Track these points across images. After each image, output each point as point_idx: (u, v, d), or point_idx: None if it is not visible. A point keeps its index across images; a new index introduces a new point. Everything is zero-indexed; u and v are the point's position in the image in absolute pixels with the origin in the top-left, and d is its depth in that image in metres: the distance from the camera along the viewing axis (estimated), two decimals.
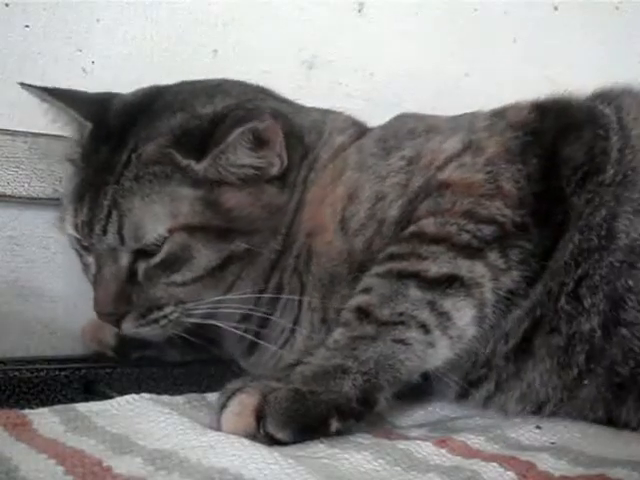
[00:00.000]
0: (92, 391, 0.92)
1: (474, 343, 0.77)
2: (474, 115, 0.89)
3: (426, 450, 0.65)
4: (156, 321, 0.84)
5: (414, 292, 0.74)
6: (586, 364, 0.77)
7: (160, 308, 0.84)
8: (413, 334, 0.72)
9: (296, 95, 0.99)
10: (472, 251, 0.77)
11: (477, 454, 0.64)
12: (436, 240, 0.78)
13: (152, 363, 0.97)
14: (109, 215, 0.83)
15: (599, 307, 0.77)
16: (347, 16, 1.24)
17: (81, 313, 1.04)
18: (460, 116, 0.91)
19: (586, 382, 0.77)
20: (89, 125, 0.90)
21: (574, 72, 1.32)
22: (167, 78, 1.06)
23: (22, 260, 1.07)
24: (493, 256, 0.77)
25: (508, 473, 0.60)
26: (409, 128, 0.90)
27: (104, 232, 0.83)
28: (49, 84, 0.94)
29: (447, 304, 0.74)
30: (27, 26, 1.04)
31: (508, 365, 0.80)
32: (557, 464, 0.62)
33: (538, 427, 0.73)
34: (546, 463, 0.62)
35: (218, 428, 0.67)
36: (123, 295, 0.83)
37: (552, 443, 0.70)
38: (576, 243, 0.78)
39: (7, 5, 1.03)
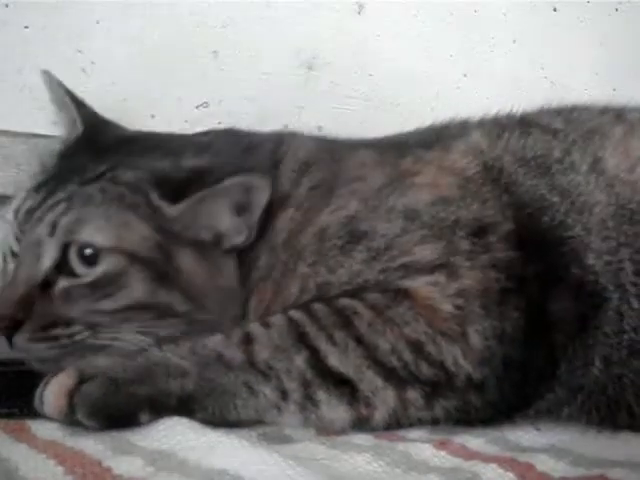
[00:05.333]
0: None
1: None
2: (457, 221, 0.76)
3: (426, 452, 0.65)
4: (56, 338, 0.74)
5: (300, 362, 0.69)
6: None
7: (68, 325, 0.74)
8: (267, 391, 0.68)
9: (296, 96, 0.99)
10: (392, 377, 0.68)
11: (476, 455, 0.65)
12: (359, 340, 0.69)
13: None
14: (56, 205, 0.77)
15: None
16: (347, 17, 1.24)
17: None
18: (444, 204, 0.77)
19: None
20: (81, 128, 0.89)
21: (574, 73, 1.32)
22: (167, 79, 1.06)
23: None
24: (414, 395, 0.69)
25: (508, 474, 0.60)
26: (387, 207, 0.78)
27: (41, 219, 0.76)
28: None
29: (322, 396, 0.68)
30: (26, 27, 1.04)
31: None
32: (557, 465, 0.62)
33: (537, 429, 0.73)
34: (545, 464, 0.62)
35: (41, 408, 0.67)
36: (28, 301, 0.74)
37: (551, 444, 0.70)
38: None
39: (7, 6, 1.03)
